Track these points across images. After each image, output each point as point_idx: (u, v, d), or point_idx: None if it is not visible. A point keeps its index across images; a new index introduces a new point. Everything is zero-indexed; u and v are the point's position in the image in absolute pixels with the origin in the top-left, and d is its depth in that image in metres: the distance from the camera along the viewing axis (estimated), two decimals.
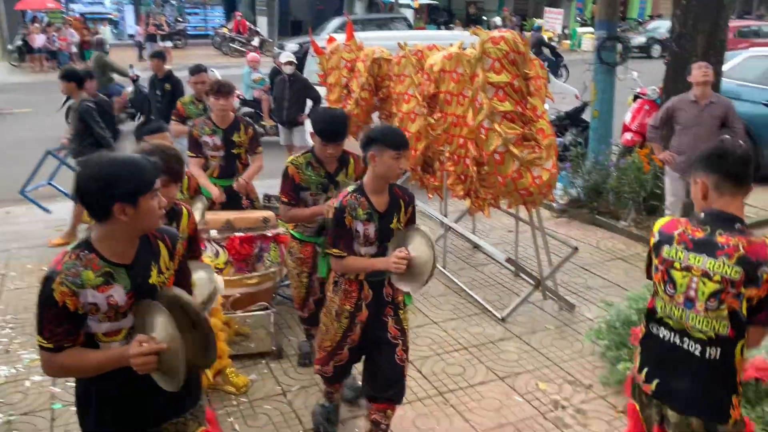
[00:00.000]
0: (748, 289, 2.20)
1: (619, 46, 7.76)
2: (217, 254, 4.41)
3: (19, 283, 5.54)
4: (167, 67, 7.85)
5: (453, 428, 3.68)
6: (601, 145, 7.63)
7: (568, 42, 26.50)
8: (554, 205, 7.28)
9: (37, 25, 22.47)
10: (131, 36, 25.75)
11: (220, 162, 4.87)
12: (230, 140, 4.83)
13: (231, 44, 23.84)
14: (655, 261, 2.39)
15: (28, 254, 6.16)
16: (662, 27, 22.77)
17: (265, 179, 6.60)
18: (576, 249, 5.32)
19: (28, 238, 6.55)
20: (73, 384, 2.39)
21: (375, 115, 6.80)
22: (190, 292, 2.32)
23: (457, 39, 5.44)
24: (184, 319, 2.06)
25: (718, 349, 2.27)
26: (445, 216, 5.82)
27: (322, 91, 7.76)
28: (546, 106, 4.91)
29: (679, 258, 2.30)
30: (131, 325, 2.09)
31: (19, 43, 22.26)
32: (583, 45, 24.86)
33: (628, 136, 8.32)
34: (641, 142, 7.84)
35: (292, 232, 4.05)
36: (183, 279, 2.30)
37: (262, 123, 10.19)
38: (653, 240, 2.43)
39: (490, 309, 5.07)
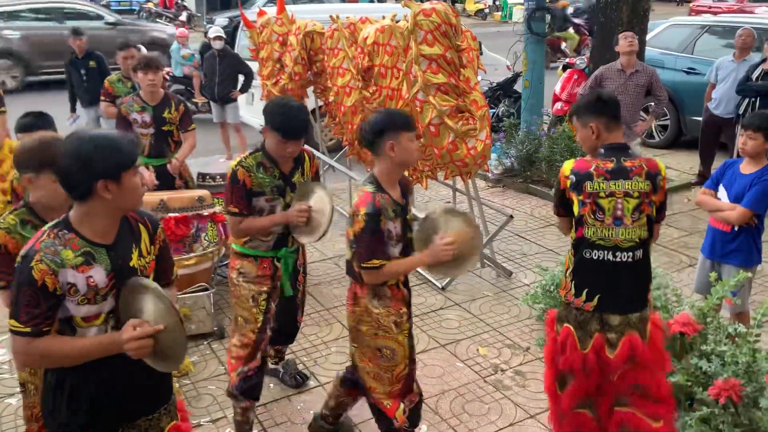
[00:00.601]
0: (655, 196, 2.78)
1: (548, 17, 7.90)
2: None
3: None
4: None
5: None
6: (533, 115, 7.80)
7: (499, 14, 26.75)
8: (489, 175, 7.41)
9: None
10: None
11: (150, 140, 4.74)
12: (161, 117, 4.70)
13: (158, 20, 23.00)
14: (580, 197, 2.80)
15: None
16: None
17: (199, 157, 6.47)
18: (511, 217, 5.45)
19: None
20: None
21: (309, 90, 6.74)
22: (169, 282, 2.28)
23: (389, 11, 5.42)
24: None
25: (641, 250, 2.79)
26: None
27: (254, 66, 7.61)
28: (478, 78, 4.97)
29: (602, 188, 2.76)
30: (111, 309, 2.03)
31: None
32: (514, 16, 25.14)
33: (558, 105, 8.52)
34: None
35: (241, 249, 3.29)
36: (165, 265, 2.24)
37: (194, 100, 9.93)
38: (569, 181, 2.82)
39: (431, 279, 5.15)
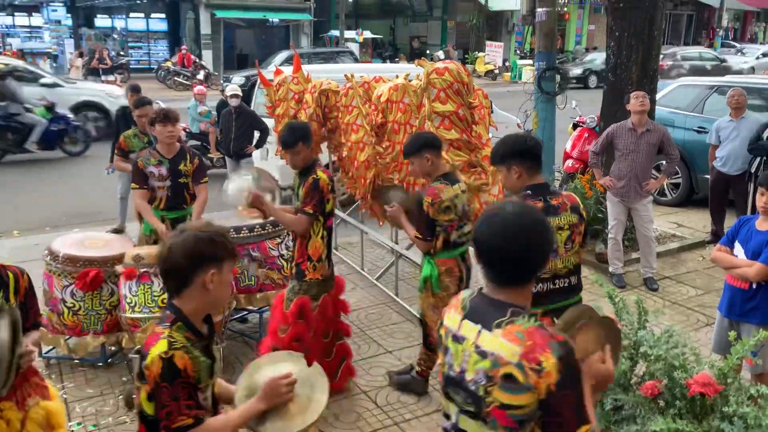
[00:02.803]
0: (582, 226, 3.21)
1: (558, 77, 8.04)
2: (162, 289, 4.30)
3: None
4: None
5: None
6: (545, 172, 7.81)
7: (509, 74, 27.27)
8: None
9: None
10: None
11: (166, 192, 4.79)
12: (177, 170, 4.77)
13: (176, 78, 23.62)
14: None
15: None
16: (598, 59, 23.70)
17: (212, 211, 6.50)
18: None
19: None
20: None
21: (324, 146, 6.83)
22: None
23: (402, 71, 5.53)
24: None
25: (576, 276, 3.23)
26: (396, 243, 5.85)
27: (270, 122, 7.76)
28: (490, 135, 5.03)
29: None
30: None
31: None
32: (524, 76, 25.62)
33: (569, 163, 8.57)
34: (582, 168, 8.09)
35: None
36: None
37: (209, 155, 10.09)
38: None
39: None
